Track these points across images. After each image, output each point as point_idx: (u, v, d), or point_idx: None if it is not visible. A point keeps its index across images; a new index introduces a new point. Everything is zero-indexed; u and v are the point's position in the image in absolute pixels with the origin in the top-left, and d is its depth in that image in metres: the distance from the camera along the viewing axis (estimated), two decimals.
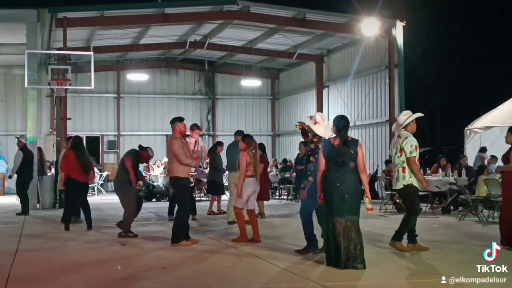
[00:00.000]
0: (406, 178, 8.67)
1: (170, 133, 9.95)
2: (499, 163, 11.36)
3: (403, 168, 8.69)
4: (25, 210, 14.94)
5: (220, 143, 14.88)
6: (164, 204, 18.77)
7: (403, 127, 8.89)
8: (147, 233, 11.14)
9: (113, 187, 18.94)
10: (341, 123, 7.69)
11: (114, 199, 21.91)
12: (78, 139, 12.33)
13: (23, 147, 15.53)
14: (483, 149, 15.58)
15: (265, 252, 8.68)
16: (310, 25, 20.64)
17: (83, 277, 7.19)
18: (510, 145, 9.17)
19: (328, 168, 7.56)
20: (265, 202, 14.20)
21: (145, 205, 18.64)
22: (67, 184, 11.73)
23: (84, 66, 21.12)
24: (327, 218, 7.64)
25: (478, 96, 29.40)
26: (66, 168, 11.72)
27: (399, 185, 8.76)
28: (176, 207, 10.20)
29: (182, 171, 9.52)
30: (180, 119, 9.81)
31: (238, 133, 12.69)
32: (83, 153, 11.88)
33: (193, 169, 10.18)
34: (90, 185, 18.00)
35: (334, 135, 7.80)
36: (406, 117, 8.90)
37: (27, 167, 15.42)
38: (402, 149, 8.71)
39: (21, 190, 15.33)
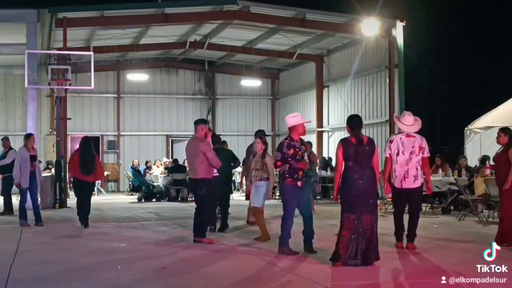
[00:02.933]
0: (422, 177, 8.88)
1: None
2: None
3: (421, 167, 8.87)
4: (11, 210, 15.03)
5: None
6: (164, 204, 18.80)
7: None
8: (147, 233, 11.14)
9: None
10: (353, 122, 7.74)
11: (114, 199, 21.99)
12: (83, 140, 12.47)
13: (11, 148, 15.52)
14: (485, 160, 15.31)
15: (266, 252, 8.69)
16: (310, 25, 20.63)
17: (83, 277, 7.19)
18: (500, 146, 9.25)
19: (347, 166, 7.62)
20: (266, 202, 14.15)
21: (145, 205, 18.74)
22: (73, 183, 12.51)
23: (84, 66, 21.09)
24: (343, 215, 7.58)
25: (478, 96, 29.38)
26: (72, 169, 12.23)
27: (417, 183, 8.86)
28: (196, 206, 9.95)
29: (208, 172, 9.64)
30: (205, 121, 10.04)
31: (260, 133, 12.40)
32: (85, 153, 12.13)
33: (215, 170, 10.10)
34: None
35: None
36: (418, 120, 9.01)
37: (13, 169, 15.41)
38: (421, 148, 8.84)
39: (8, 191, 15.36)
